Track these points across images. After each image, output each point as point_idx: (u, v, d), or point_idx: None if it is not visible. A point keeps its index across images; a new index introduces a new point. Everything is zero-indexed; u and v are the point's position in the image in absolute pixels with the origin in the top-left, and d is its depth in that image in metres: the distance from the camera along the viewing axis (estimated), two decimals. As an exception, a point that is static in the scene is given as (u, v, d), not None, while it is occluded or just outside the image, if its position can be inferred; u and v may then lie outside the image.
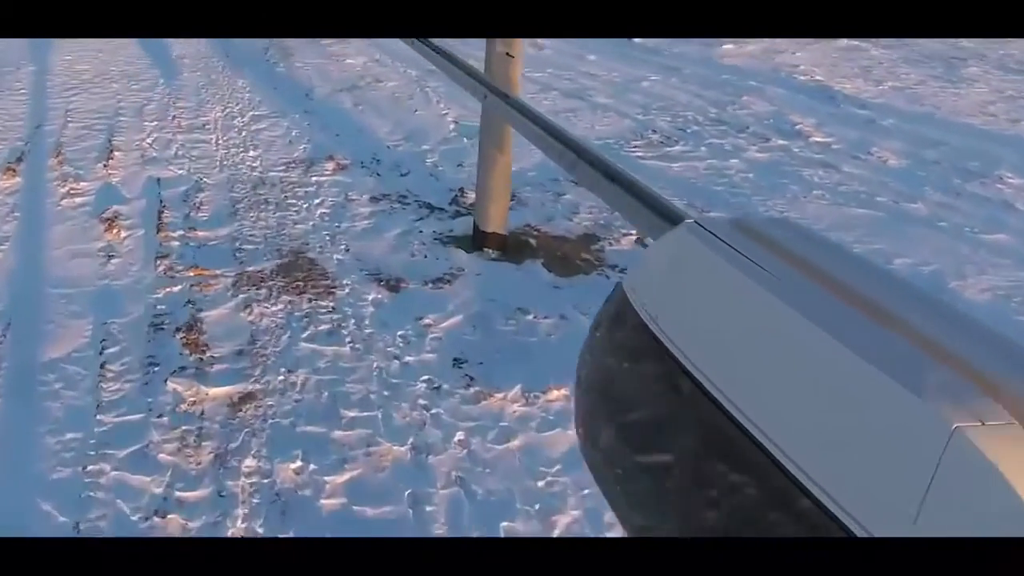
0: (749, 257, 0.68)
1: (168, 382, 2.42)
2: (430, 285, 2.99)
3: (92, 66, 6.44)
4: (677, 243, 0.76)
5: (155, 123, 4.96)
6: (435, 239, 3.37)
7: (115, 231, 3.45)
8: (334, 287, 2.97)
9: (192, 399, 2.36)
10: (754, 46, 7.15)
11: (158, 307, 2.85)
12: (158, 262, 3.16)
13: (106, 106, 5.32)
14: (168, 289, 2.96)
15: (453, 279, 3.03)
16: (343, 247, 3.31)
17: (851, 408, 0.55)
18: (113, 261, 3.20)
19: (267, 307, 2.83)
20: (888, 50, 7.02)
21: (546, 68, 6.30)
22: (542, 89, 5.71)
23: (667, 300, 0.73)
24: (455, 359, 2.54)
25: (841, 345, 0.56)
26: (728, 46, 7.12)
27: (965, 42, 7.37)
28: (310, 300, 2.88)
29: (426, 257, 3.23)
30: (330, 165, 4.23)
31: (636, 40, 7.47)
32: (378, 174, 4.13)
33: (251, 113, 5.18)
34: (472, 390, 2.38)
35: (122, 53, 6.86)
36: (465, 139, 4.67)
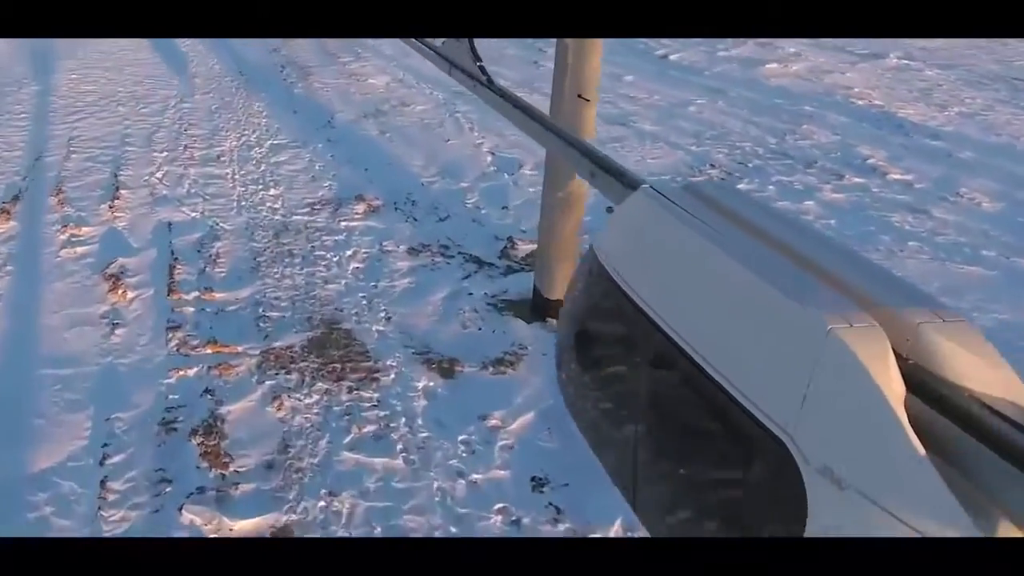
0: (691, 213, 0.81)
1: (183, 510, 1.95)
2: (490, 369, 2.51)
3: (98, 86, 5.99)
4: (634, 205, 0.88)
5: (165, 154, 4.49)
6: (488, 304, 2.90)
7: (121, 291, 2.98)
8: (377, 370, 2.49)
9: (213, 535, 1.89)
10: (799, 66, 6.68)
11: (170, 397, 2.38)
12: (170, 334, 2.69)
13: (112, 133, 4.86)
14: (182, 372, 2.48)
15: (516, 360, 2.55)
16: (383, 314, 2.83)
17: (757, 321, 0.68)
18: (118, 332, 2.73)
19: (299, 399, 2.36)
20: (943, 71, 6.54)
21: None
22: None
23: (625, 251, 0.87)
24: (534, 478, 2.06)
25: (752, 275, 0.69)
26: (772, 65, 6.64)
27: (1021, 62, 6.89)
28: (350, 389, 2.40)
29: (480, 329, 2.75)
30: (360, 207, 3.76)
31: (671, 58, 7.01)
32: (414, 218, 3.66)
33: (269, 142, 4.71)
34: (561, 527, 1.90)
35: (130, 72, 6.40)
36: (506, 175, 4.21)
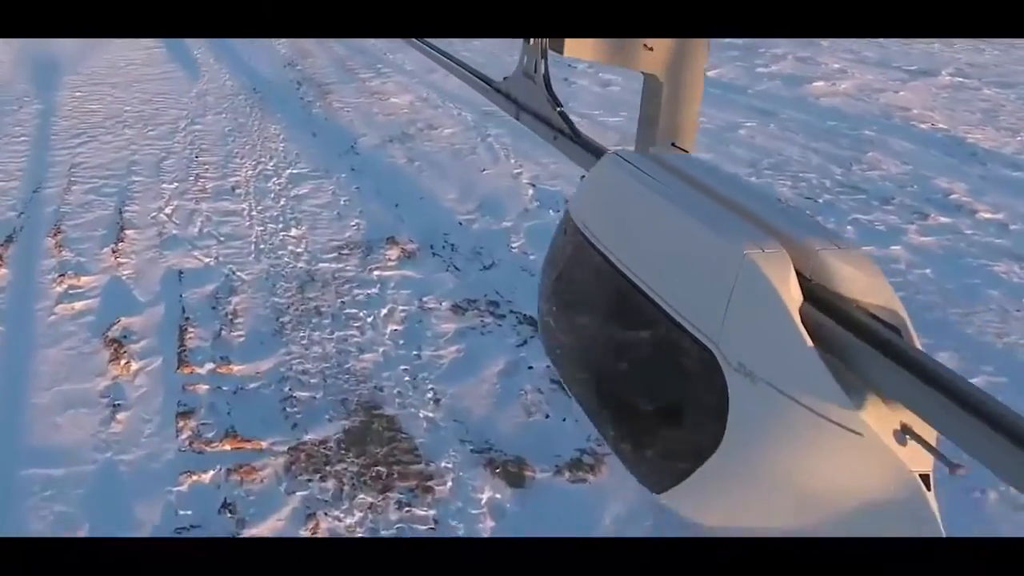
0: (647, 174, 0.92)
1: None
2: (566, 474, 2.07)
3: (104, 105, 5.57)
4: (599, 170, 0.99)
5: (175, 184, 4.06)
6: (553, 382, 2.45)
7: (124, 361, 2.54)
8: (430, 476, 2.05)
9: None
10: (847, 84, 6.23)
11: (181, 513, 1.94)
12: (180, 423, 2.25)
13: (118, 160, 4.44)
14: (195, 477, 2.04)
15: (597, 463, 2.10)
16: (430, 395, 2.39)
17: (691, 254, 0.80)
18: (120, 416, 2.29)
19: (338, 517, 1.91)
20: (1002, 89, 6.08)
21: (619, 110, 5.40)
22: (625, 139, 4.79)
23: (592, 207, 0.98)
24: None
25: (689, 217, 0.81)
26: (818, 84, 6.20)
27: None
28: (399, 505, 1.95)
29: (547, 417, 2.30)
30: (393, 252, 3.32)
31: (708, 74, 6.56)
32: (455, 266, 3.22)
33: (288, 171, 4.28)
34: None
35: (138, 89, 5.98)
36: (551, 211, 3.76)
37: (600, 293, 0.93)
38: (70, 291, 3.02)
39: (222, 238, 3.46)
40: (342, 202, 3.86)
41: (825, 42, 7.86)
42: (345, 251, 3.34)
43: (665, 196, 0.85)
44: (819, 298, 0.69)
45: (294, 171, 4.28)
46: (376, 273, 3.15)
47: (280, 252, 3.33)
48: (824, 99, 5.80)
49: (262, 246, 3.38)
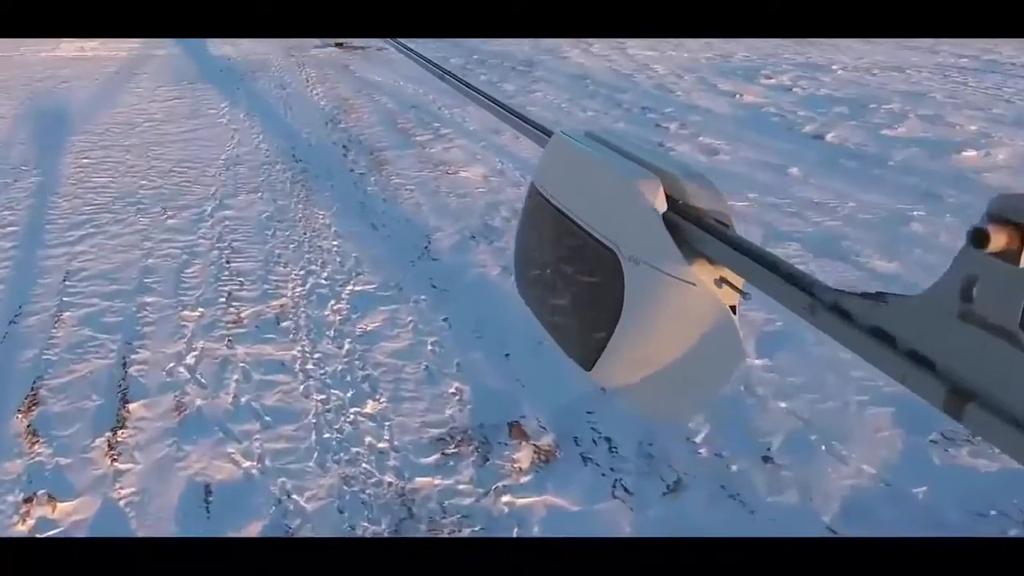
0: (583, 143, 1.15)
1: None
2: None
3: (115, 177, 4.52)
4: (552, 143, 1.23)
5: (199, 312, 2.97)
6: None
7: None
8: None
9: None
10: (1002, 153, 5.11)
11: None
12: None
13: (127, 265, 3.36)
14: None
15: None
16: None
17: (606, 189, 1.03)
18: None
19: None
20: None
21: (747, 191, 4.29)
22: (776, 237, 3.67)
23: (544, 172, 1.22)
24: None
25: (605, 165, 1.06)
26: (968, 153, 5.07)
27: None
28: None
29: None
30: (520, 454, 2.19)
31: (828, 138, 5.46)
32: (623, 486, 2.08)
33: (349, 289, 3.18)
34: None
35: (157, 155, 4.93)
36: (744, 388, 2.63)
37: (546, 227, 1.18)
38: (37, 532, 1.91)
39: (267, 418, 2.34)
40: (429, 347, 2.74)
41: (940, 95, 6.77)
42: (451, 450, 2.21)
43: (588, 153, 1.11)
44: (678, 206, 0.95)
45: (356, 288, 3.18)
46: (505, 499, 2.02)
47: (355, 450, 2.20)
48: (987, 175, 4.67)
49: (327, 436, 2.26)
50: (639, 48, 9.91)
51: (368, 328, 2.87)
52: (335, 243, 3.63)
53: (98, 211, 4.03)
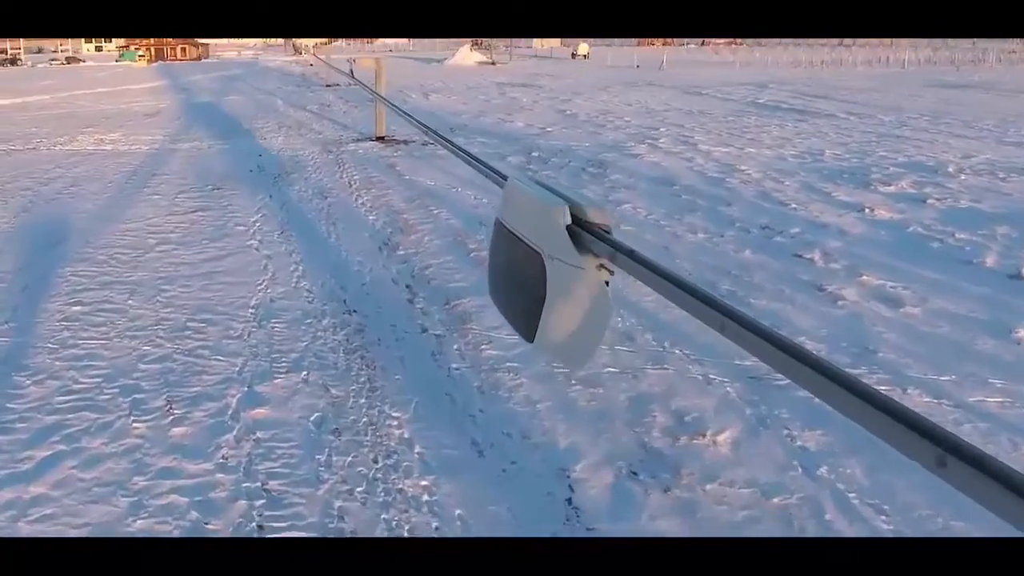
0: (526, 184, 1.51)
1: None
2: None
3: (108, 339, 3.28)
4: (508, 187, 1.58)
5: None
6: None
7: None
8: None
9: None
10: None
11: None
12: None
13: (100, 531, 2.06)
14: None
15: None
16: None
17: (541, 215, 1.37)
18: None
19: None
20: None
21: (983, 387, 2.98)
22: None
23: (504, 208, 1.56)
24: None
25: (540, 198, 1.40)
26: None
27: None
28: None
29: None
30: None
31: (888, 217, 4.18)
32: None
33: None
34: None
35: (167, 299, 3.66)
36: None
37: (503, 245, 1.54)
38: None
39: None
40: None
41: (953, 170, 5.52)
42: None
43: (526, 190, 1.47)
44: (579, 222, 1.30)
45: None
46: None
47: None
48: None
49: None
50: (710, 144, 8.83)
51: None
52: (422, 483, 2.32)
53: (76, 407, 2.76)
